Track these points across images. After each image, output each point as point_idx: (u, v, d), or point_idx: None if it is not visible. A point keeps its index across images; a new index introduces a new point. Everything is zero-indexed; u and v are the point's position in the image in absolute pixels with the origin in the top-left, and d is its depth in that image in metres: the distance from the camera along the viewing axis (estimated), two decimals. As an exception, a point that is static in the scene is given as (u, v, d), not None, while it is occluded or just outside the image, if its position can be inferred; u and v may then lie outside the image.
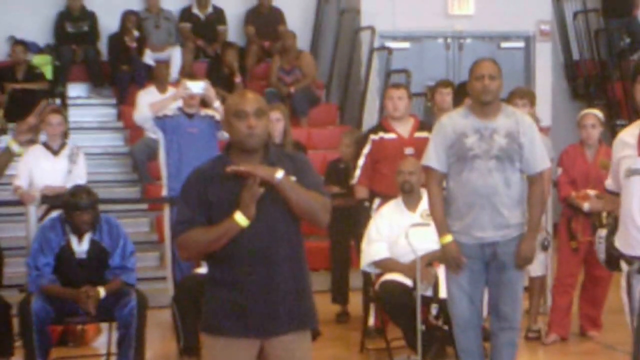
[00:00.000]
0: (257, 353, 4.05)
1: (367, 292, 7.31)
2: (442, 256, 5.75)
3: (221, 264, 4.01)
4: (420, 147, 7.17)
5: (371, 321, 7.50)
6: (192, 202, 4.01)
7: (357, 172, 7.47)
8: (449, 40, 12.35)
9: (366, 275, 7.14)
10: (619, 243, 4.52)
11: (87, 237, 6.44)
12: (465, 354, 5.73)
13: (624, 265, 4.48)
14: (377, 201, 7.39)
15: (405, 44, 12.22)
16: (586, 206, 7.12)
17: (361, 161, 7.47)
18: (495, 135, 5.46)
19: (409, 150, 7.27)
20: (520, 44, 12.53)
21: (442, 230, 5.58)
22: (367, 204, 7.46)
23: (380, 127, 7.61)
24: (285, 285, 4.00)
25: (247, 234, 3.94)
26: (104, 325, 7.12)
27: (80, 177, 8.00)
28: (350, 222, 7.71)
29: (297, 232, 4.10)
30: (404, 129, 7.48)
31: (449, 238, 5.54)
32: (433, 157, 5.58)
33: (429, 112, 10.15)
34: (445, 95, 8.35)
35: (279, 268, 3.98)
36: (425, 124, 7.59)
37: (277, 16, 12.27)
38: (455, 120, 5.49)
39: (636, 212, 4.35)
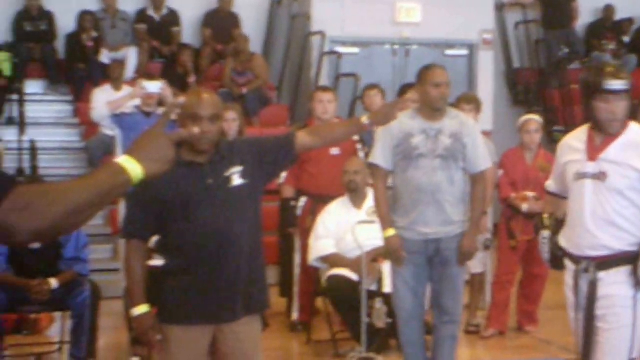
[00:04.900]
0: (210, 339, 4.14)
1: (309, 286, 7.49)
2: (384, 249, 5.92)
3: (178, 252, 4.08)
4: (345, 148, 7.31)
5: (295, 316, 7.67)
6: (139, 208, 4.09)
7: (284, 172, 7.28)
8: (396, 46, 12.53)
9: (311, 270, 7.30)
10: (566, 243, 4.56)
11: (40, 228, 6.50)
12: (408, 345, 5.89)
13: (569, 264, 4.54)
14: (302, 199, 7.53)
15: (354, 49, 12.38)
16: (525, 207, 7.31)
17: None
18: (440, 136, 5.61)
19: (335, 151, 7.37)
20: (464, 52, 12.72)
21: (385, 224, 5.74)
22: (293, 203, 7.56)
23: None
24: (243, 271, 4.08)
25: (205, 220, 4.01)
26: (58, 314, 7.15)
27: None
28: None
29: (255, 217, 4.16)
30: None
31: (391, 232, 5.69)
32: (379, 155, 5.73)
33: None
34: (373, 97, 8.50)
35: (237, 254, 4.05)
36: None
37: (233, 20, 12.41)
38: (402, 121, 5.53)
39: (587, 214, 4.41)
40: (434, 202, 5.63)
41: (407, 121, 5.64)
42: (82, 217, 2.15)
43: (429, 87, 5.63)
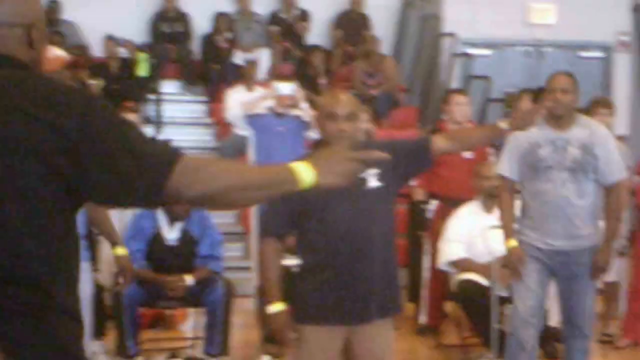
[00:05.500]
0: (343, 340, 4.16)
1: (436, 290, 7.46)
2: (505, 259, 5.83)
3: (314, 251, 4.11)
4: (478, 152, 7.23)
5: (423, 319, 7.63)
6: (278, 206, 4.10)
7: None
8: (528, 48, 12.41)
9: (440, 274, 7.27)
10: None
11: (177, 226, 6.58)
12: (519, 347, 5.65)
13: None
14: (433, 202, 7.49)
15: (486, 51, 12.33)
16: (660, 215, 7.13)
17: None
18: (568, 147, 5.43)
19: (467, 155, 7.29)
20: (599, 54, 12.55)
21: (507, 234, 5.65)
22: (423, 206, 7.52)
23: (439, 131, 7.32)
24: (377, 273, 4.09)
25: (341, 221, 4.03)
26: (192, 311, 7.28)
27: None
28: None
29: (390, 220, 4.17)
30: None
31: (513, 243, 5.60)
32: (506, 166, 5.65)
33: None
34: (528, 102, 8.45)
35: (372, 256, 4.06)
36: None
37: (364, 21, 12.49)
38: (529, 131, 5.25)
39: None
40: (563, 216, 5.48)
41: (534, 130, 5.40)
42: (245, 196, 2.26)
43: (547, 93, 5.49)
